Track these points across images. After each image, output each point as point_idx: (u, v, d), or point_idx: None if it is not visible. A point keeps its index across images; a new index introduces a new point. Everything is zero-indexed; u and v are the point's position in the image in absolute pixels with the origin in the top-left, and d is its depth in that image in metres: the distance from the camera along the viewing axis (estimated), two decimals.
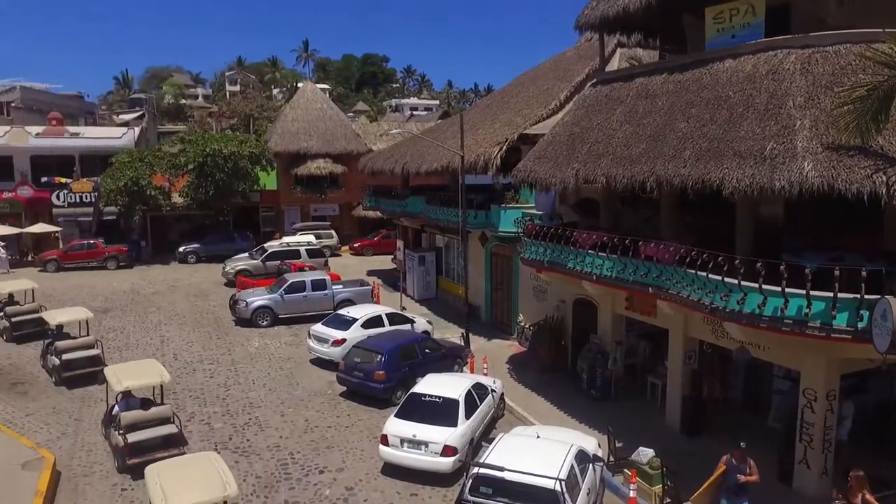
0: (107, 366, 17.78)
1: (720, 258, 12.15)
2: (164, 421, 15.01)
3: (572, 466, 11.33)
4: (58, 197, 41.31)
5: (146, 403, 15.35)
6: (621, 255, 14.99)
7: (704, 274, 12.44)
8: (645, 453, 13.04)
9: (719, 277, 12.11)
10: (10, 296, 25.44)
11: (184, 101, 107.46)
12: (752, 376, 16.80)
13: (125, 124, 52.67)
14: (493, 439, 12.51)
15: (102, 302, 30.00)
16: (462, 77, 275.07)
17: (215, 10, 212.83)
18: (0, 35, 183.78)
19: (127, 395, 15.04)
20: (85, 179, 42.02)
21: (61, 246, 39.86)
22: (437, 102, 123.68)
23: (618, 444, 14.09)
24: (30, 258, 39.48)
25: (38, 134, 43.11)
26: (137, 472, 13.34)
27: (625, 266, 14.96)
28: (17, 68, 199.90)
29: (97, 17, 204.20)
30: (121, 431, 14.38)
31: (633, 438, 14.38)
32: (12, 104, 53.14)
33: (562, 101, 23.67)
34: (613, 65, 22.11)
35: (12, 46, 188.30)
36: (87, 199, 41.68)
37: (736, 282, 11.72)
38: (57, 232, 40.96)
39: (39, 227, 39.94)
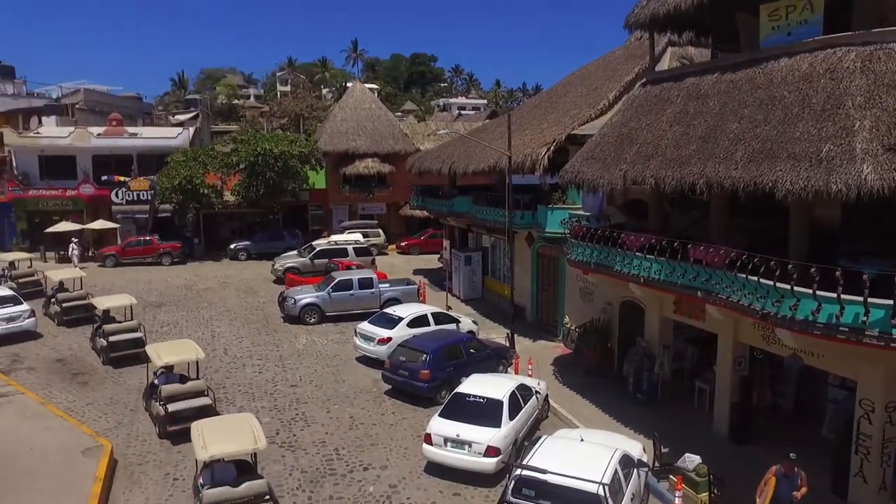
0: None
1: (772, 262, 11.84)
2: (199, 394, 16.54)
3: (616, 471, 11.20)
4: (117, 195, 42.75)
5: (183, 378, 16.87)
6: (670, 258, 14.74)
7: (755, 278, 12.15)
8: (691, 460, 12.81)
9: (771, 282, 11.80)
10: (61, 283, 27.56)
11: (236, 101, 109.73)
12: (805, 384, 16.34)
13: (180, 124, 54.18)
14: (537, 441, 12.46)
15: (157, 297, 30.94)
16: (510, 76, 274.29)
17: (268, 12, 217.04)
18: (67, 41, 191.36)
19: (167, 370, 16.75)
20: (142, 178, 43.36)
21: (119, 242, 41.23)
22: (485, 102, 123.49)
23: (663, 450, 13.88)
24: (90, 253, 40.93)
25: (99, 134, 44.77)
26: (176, 439, 15.48)
27: (673, 269, 14.71)
28: (81, 71, 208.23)
29: (156, 21, 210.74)
30: (161, 402, 15.92)
31: (679, 444, 14.14)
32: (77, 106, 55.16)
33: (610, 102, 23.40)
34: (664, 64, 21.76)
35: (78, 51, 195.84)
36: (143, 196, 43.00)
37: (788, 287, 11.42)
38: (115, 228, 42.39)
39: (100, 224, 41.47)
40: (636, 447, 13.35)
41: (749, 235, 14.41)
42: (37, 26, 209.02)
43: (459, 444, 14.02)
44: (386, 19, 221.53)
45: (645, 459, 13.22)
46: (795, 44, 13.71)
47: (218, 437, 11.99)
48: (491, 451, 13.77)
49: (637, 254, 15.84)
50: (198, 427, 12.52)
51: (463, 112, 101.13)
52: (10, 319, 23.53)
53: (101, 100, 59.13)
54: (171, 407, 15.83)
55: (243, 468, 12.54)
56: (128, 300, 23.12)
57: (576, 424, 16.08)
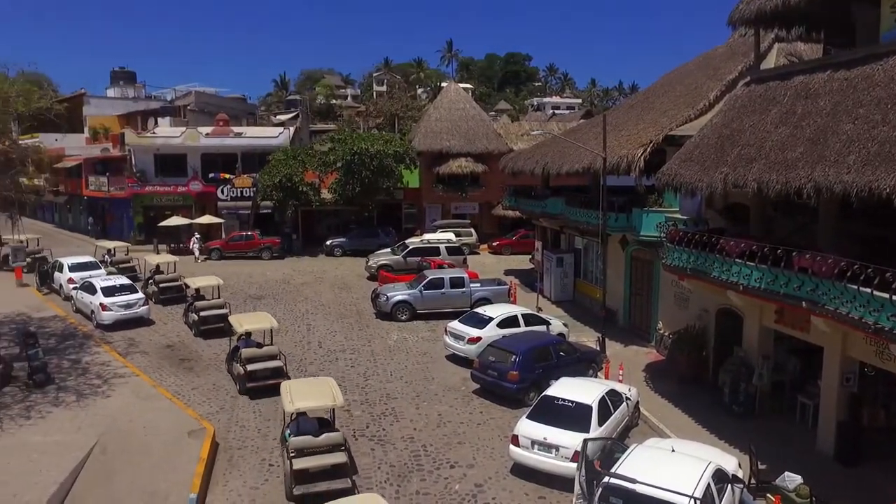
0: None
1: (888, 273, 11.12)
2: (273, 357, 19.39)
3: (709, 485, 10.82)
4: (222, 191, 45.10)
5: (260, 345, 19.96)
6: (772, 266, 14.10)
7: (868, 290, 11.44)
8: (791, 479, 12.21)
9: (886, 295, 11.08)
10: (157, 266, 31.21)
11: (334, 101, 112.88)
12: None
13: (281, 124, 56.40)
14: (627, 449, 12.24)
15: (257, 290, 32.37)
16: (606, 75, 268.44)
17: (365, 14, 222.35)
18: (180, 46, 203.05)
19: (246, 336, 19.85)
20: (245, 175, 45.54)
21: (223, 236, 43.42)
22: (580, 101, 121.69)
23: (760, 466, 13.30)
24: (189, 246, 43.29)
25: (207, 134, 47.27)
26: (254, 395, 18.40)
27: (776, 277, 14.06)
28: (193, 74, 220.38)
29: (259, 27, 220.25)
30: (242, 363, 18.78)
31: (778, 461, 13.53)
32: (188, 107, 58.46)
33: (711, 102, 22.56)
34: (769, 62, 20.77)
35: (190, 55, 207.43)
36: (246, 193, 45.15)
37: None
38: (220, 223, 44.68)
39: (206, 219, 43.87)
40: (731, 462, 12.84)
41: (861, 244, 13.55)
42: (154, 34, 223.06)
43: (546, 447, 13.95)
44: (481, 19, 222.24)
45: (740, 475, 12.69)
46: None
47: (303, 395, 13.94)
48: (578, 457, 13.61)
49: (737, 260, 15.21)
50: (286, 386, 14.60)
51: (557, 111, 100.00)
52: (128, 306, 25.31)
53: (209, 101, 62.39)
54: (250, 367, 18.58)
55: (323, 423, 14.31)
56: (215, 280, 26.31)
57: (667, 434, 15.66)
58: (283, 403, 13.69)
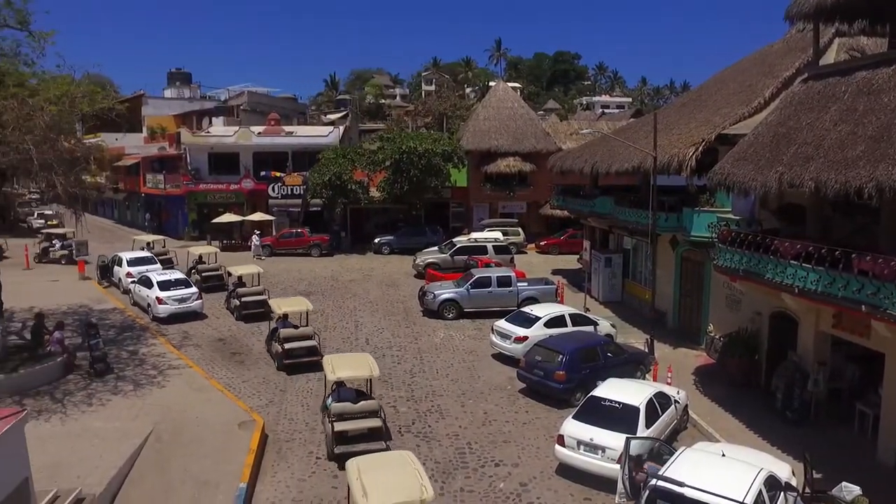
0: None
1: None
2: (308, 337, 21.17)
3: (761, 492, 10.56)
4: (273, 189, 46.02)
5: (296, 326, 21.82)
6: (830, 268, 13.67)
7: None
8: (849, 490, 11.80)
9: None
10: (200, 257, 33.36)
11: (383, 100, 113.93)
12: None
13: (331, 123, 57.25)
14: (675, 452, 12.04)
15: (306, 286, 32.91)
16: (657, 73, 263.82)
17: (414, 14, 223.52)
18: (234, 47, 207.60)
19: (284, 318, 21.81)
20: (296, 173, 46.35)
21: (273, 233, 44.26)
22: (630, 100, 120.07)
23: (815, 475, 12.89)
24: (248, 243, 44.23)
25: (259, 133, 48.28)
26: (290, 371, 20.20)
27: (833, 280, 13.62)
28: (246, 74, 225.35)
29: (310, 26, 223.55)
30: (280, 341, 20.67)
31: (835, 471, 13.13)
32: (241, 107, 59.83)
33: (766, 99, 21.98)
34: (829, 57, 20.09)
35: (244, 56, 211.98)
36: (296, 191, 45.99)
37: None
38: (271, 221, 45.55)
39: (258, 216, 44.80)
40: (784, 469, 12.52)
41: None
42: (210, 35, 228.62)
43: (592, 448, 13.84)
44: (530, 18, 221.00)
45: (794, 483, 12.35)
46: None
47: (343, 366, 15.59)
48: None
49: (792, 262, 14.81)
50: (328, 359, 16.21)
51: (606, 111, 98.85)
52: (182, 300, 26.06)
53: (261, 101, 63.69)
54: (287, 346, 20.45)
55: (360, 394, 15.99)
56: (255, 269, 28.53)
57: (716, 438, 15.36)
58: (326, 373, 15.49)
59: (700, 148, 21.32)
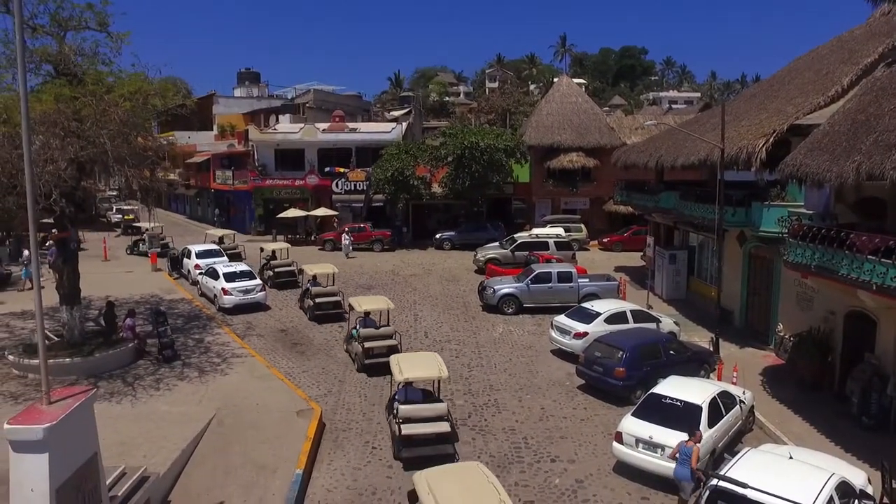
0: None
1: None
2: (389, 337, 20.70)
3: (832, 498, 9.99)
4: (336, 185, 46.74)
5: (377, 325, 21.14)
6: None
7: None
8: None
9: None
10: (273, 253, 33.73)
11: (447, 98, 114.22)
12: None
13: (394, 120, 57.70)
14: (738, 452, 11.56)
15: (367, 280, 33.27)
16: (727, 67, 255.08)
17: (480, 10, 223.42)
18: (303, 47, 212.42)
19: (365, 316, 20.95)
20: (359, 169, 46.95)
21: (337, 228, 44.92)
22: (698, 95, 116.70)
23: (895, 485, 12.15)
24: (313, 238, 45.10)
25: (324, 129, 49.12)
26: (371, 371, 19.48)
27: None
28: (313, 73, 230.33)
29: (377, 25, 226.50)
30: (360, 341, 20.28)
31: None
32: (307, 105, 61.04)
33: (845, 87, 20.88)
34: None
35: (312, 56, 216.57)
36: (359, 187, 46.59)
37: None
38: (334, 216, 46.27)
39: (322, 211, 45.59)
40: (859, 476, 11.83)
41: None
42: (279, 35, 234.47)
43: (652, 446, 13.45)
44: (596, 13, 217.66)
45: (870, 492, 11.66)
46: None
47: (411, 366, 15.02)
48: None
49: (869, 257, 14.01)
50: (395, 359, 15.71)
51: (674, 106, 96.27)
52: (247, 291, 26.74)
53: (327, 99, 64.81)
54: (367, 344, 20.01)
55: (427, 394, 15.49)
56: (331, 268, 27.68)
57: (784, 441, 14.69)
58: (393, 373, 14.88)
59: (771, 139, 20.43)
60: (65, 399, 9.37)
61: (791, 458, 11.14)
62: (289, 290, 30.40)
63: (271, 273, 31.56)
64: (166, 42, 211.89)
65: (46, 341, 19.78)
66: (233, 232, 42.56)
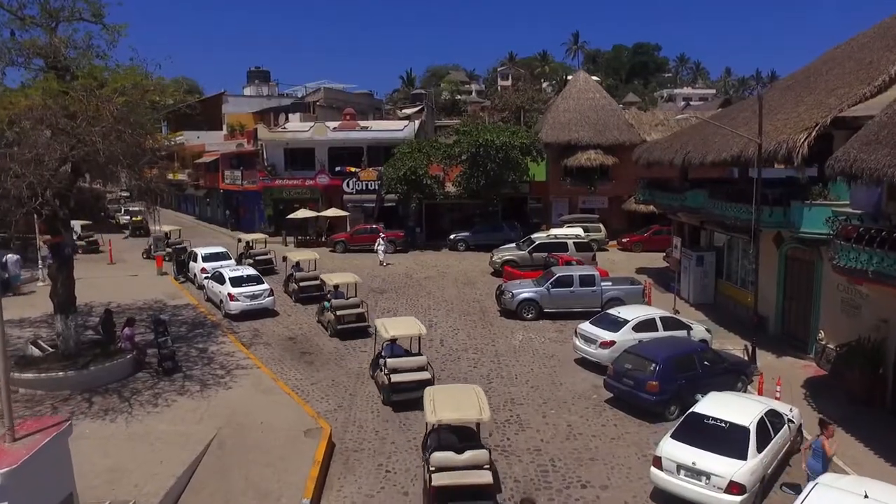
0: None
1: None
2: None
3: None
4: (347, 184, 45.51)
5: (408, 352, 18.77)
6: None
7: None
8: None
9: None
10: (297, 263, 30.03)
11: (459, 96, 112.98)
12: None
13: (406, 118, 56.46)
14: (798, 487, 10.12)
15: (380, 283, 32.03)
16: (742, 63, 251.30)
17: (490, 9, 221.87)
18: (314, 46, 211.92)
19: (392, 342, 18.33)
20: (370, 169, 45.70)
21: (348, 229, 43.73)
22: (713, 91, 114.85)
23: None
24: (323, 239, 43.90)
25: (334, 128, 47.93)
26: (398, 407, 16.99)
27: None
28: (324, 72, 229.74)
29: (389, 23, 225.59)
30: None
31: None
32: (317, 103, 59.94)
33: (893, 76, 19.37)
34: None
35: (322, 54, 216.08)
36: (371, 186, 45.34)
37: None
38: (345, 216, 45.06)
39: (332, 212, 44.40)
40: None
41: None
42: (289, 33, 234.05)
43: (695, 473, 12.10)
44: (608, 10, 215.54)
45: None
46: None
47: (446, 405, 12.78)
48: (734, 489, 11.68)
49: None
50: (430, 393, 13.49)
51: (690, 103, 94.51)
52: (254, 297, 25.56)
53: (337, 97, 63.73)
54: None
55: (468, 435, 13.26)
56: (352, 278, 25.18)
57: (840, 467, 13.24)
58: (426, 413, 12.59)
59: (813, 133, 18.96)
60: (33, 434, 8.17)
61: (866, 496, 9.64)
62: (313, 304, 26.99)
63: (296, 287, 28.57)
64: (176, 42, 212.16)
65: (40, 352, 18.99)
66: (263, 236, 39.32)
